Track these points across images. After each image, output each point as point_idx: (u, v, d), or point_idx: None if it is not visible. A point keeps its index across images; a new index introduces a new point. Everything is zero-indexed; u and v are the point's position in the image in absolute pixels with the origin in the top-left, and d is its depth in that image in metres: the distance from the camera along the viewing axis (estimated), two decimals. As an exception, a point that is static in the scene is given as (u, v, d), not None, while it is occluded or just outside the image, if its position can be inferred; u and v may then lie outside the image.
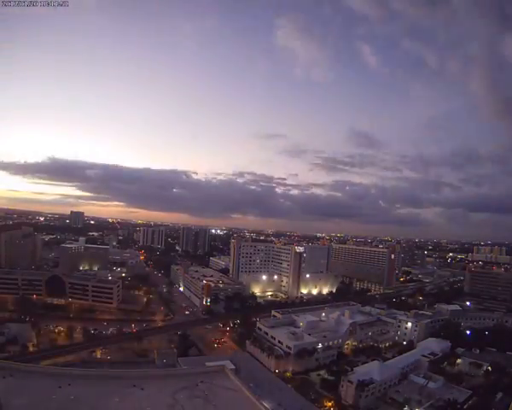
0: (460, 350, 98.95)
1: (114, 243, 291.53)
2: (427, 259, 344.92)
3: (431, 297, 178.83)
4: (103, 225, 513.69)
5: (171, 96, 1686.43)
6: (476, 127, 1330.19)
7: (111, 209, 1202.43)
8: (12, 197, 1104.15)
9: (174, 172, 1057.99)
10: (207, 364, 56.40)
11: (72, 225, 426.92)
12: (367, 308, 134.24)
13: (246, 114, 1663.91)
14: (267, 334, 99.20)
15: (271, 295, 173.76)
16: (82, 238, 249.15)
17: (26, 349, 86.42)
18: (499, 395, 72.80)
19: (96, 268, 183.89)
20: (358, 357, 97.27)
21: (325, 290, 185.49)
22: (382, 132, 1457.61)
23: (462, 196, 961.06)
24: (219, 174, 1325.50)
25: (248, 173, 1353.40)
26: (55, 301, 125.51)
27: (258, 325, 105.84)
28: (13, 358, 76.53)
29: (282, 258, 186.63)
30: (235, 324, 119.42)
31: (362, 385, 72.23)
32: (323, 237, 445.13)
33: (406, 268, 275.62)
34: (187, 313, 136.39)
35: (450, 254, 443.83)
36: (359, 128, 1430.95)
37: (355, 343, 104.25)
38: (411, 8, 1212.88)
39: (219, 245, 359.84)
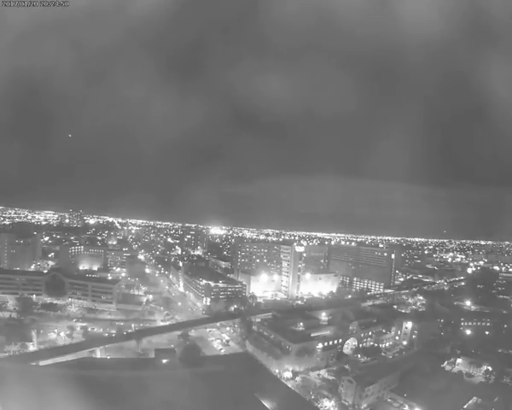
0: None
1: (114, 243, 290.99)
2: (428, 258, 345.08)
3: (431, 297, 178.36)
4: (103, 225, 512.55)
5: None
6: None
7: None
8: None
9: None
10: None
11: (72, 225, 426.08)
12: (367, 308, 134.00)
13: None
14: (267, 334, 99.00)
15: (271, 295, 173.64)
16: (82, 238, 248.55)
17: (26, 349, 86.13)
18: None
19: (95, 268, 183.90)
20: (358, 357, 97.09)
21: (325, 290, 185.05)
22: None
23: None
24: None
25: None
26: (55, 300, 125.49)
27: (258, 324, 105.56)
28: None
29: (282, 258, 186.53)
30: (235, 323, 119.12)
31: (362, 385, 72.06)
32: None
33: (407, 267, 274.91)
34: (187, 313, 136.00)
35: (451, 253, 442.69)
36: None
37: (355, 343, 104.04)
38: None
39: (219, 245, 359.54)
